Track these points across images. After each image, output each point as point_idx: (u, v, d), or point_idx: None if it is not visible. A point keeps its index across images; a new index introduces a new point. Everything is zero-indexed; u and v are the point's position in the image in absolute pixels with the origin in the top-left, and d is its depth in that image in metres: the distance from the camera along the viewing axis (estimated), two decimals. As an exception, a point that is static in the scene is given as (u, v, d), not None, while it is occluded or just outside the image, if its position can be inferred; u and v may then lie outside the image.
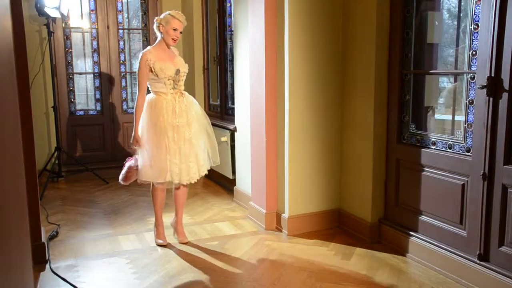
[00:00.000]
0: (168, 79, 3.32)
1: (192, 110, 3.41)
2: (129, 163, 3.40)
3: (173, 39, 3.32)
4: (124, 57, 5.95)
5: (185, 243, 3.54)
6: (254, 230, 3.85)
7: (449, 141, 3.00)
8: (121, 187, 5.29)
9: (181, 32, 3.35)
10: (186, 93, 3.45)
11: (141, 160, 3.35)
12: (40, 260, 3.15)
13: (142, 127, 3.36)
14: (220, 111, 5.41)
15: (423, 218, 3.18)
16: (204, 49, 5.71)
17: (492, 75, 2.60)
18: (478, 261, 2.74)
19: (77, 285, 2.86)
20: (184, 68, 3.43)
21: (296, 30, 3.53)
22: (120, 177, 3.40)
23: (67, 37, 5.66)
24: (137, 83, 3.41)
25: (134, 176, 3.39)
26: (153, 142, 3.30)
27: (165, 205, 3.71)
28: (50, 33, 5.10)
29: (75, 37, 5.76)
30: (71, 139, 5.75)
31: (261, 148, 3.83)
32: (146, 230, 3.86)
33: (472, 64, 2.77)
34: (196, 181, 3.45)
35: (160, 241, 3.53)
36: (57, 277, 2.96)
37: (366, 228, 3.54)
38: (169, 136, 3.29)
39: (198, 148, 3.43)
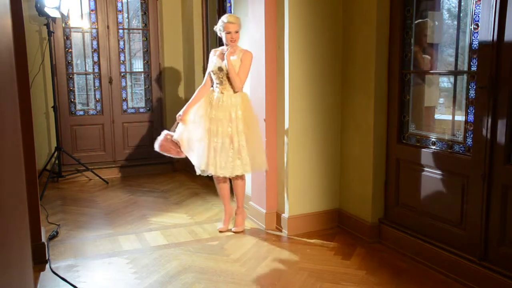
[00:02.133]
0: (214, 74, 3.58)
1: (239, 109, 3.52)
2: (165, 131, 3.68)
3: (230, 40, 3.53)
4: (124, 57, 5.94)
5: (236, 232, 3.75)
6: (254, 230, 3.84)
7: (449, 141, 3.00)
8: (121, 187, 5.31)
9: (236, 31, 3.52)
10: (238, 93, 3.56)
11: (177, 135, 3.65)
12: (40, 260, 3.15)
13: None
14: (220, 111, 5.40)
15: (423, 218, 3.18)
16: (204, 49, 5.71)
17: (492, 75, 2.60)
18: (478, 261, 2.74)
19: (77, 285, 2.86)
20: (222, 65, 3.54)
21: (296, 30, 3.52)
22: (156, 143, 3.69)
23: (67, 37, 5.66)
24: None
25: (170, 147, 3.65)
26: (192, 130, 3.60)
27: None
28: (50, 33, 5.10)
29: (75, 37, 5.76)
30: (71, 139, 5.75)
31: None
32: (146, 230, 3.85)
33: (472, 64, 2.77)
34: (234, 175, 3.58)
35: (218, 225, 3.86)
36: (57, 277, 2.96)
37: (366, 228, 3.54)
38: (206, 128, 3.53)
39: (242, 146, 3.50)
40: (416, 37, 3.22)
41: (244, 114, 3.54)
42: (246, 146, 3.51)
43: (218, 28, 3.57)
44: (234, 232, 3.76)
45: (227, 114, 3.50)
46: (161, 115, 6.15)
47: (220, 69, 3.55)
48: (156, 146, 3.69)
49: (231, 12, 5.00)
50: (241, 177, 3.72)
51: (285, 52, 3.56)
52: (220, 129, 3.49)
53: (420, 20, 3.21)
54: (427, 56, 3.27)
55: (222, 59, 3.57)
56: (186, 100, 6.11)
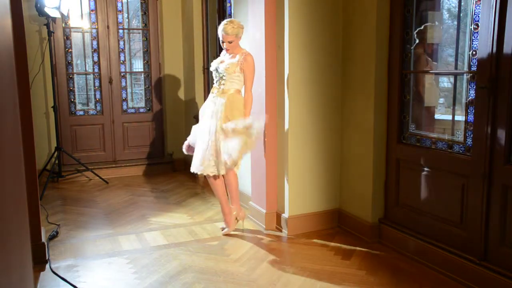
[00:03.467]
0: (214, 74, 3.64)
1: (221, 108, 3.50)
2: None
3: (225, 49, 3.60)
4: (124, 57, 5.95)
5: (225, 235, 3.72)
6: (254, 230, 3.84)
7: (449, 141, 3.00)
8: (121, 187, 5.31)
9: (230, 42, 3.53)
10: (231, 95, 3.53)
11: None
12: (40, 260, 3.15)
13: None
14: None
15: (423, 218, 3.18)
16: (204, 49, 5.71)
17: (492, 75, 2.60)
18: (478, 261, 2.74)
19: (77, 285, 2.86)
20: (221, 69, 3.56)
21: (296, 30, 3.52)
22: (183, 146, 3.85)
23: (67, 37, 5.66)
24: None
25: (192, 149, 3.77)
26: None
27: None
28: (50, 33, 5.10)
29: (75, 37, 5.76)
30: (71, 139, 5.75)
31: (261, 148, 3.83)
32: (146, 230, 3.85)
33: (472, 64, 2.77)
34: (208, 173, 3.56)
35: (221, 225, 3.87)
36: (57, 277, 2.96)
37: (366, 228, 3.54)
38: (199, 123, 3.68)
39: (206, 145, 3.50)
40: (420, 39, 3.22)
41: (225, 113, 3.48)
42: (208, 145, 3.49)
43: (218, 30, 3.60)
44: (223, 234, 3.71)
45: (211, 111, 3.55)
46: (161, 115, 6.15)
47: (216, 69, 3.63)
48: (184, 147, 3.85)
49: (231, 13, 5.01)
50: (229, 175, 3.63)
51: (285, 52, 3.56)
52: (203, 126, 3.58)
53: (426, 24, 3.21)
54: (430, 59, 3.27)
55: (222, 61, 3.62)
56: (186, 100, 6.15)
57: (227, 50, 3.59)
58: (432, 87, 3.32)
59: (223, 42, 3.56)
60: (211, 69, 3.69)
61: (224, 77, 3.55)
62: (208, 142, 3.49)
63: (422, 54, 3.26)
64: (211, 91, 3.67)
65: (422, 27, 3.20)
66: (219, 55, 5.35)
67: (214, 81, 3.67)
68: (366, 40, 3.41)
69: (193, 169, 3.58)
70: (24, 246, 2.22)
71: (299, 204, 3.72)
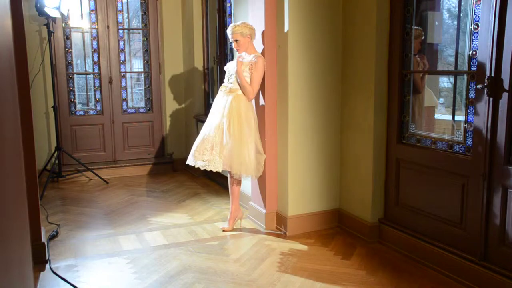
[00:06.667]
0: (226, 73, 3.79)
1: (233, 110, 3.58)
2: None
3: (235, 47, 3.69)
4: (124, 57, 5.95)
5: (225, 230, 3.81)
6: (254, 230, 3.85)
7: (449, 141, 3.00)
8: (121, 187, 5.31)
9: (236, 40, 3.62)
10: (237, 96, 3.63)
11: None
12: (40, 260, 3.15)
13: None
14: (220, 111, 5.41)
15: (423, 218, 3.18)
16: (204, 49, 5.71)
17: (492, 75, 2.60)
18: (478, 261, 2.74)
19: (77, 285, 2.86)
20: (230, 68, 3.75)
21: (296, 30, 3.52)
22: None
23: (67, 37, 5.66)
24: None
25: None
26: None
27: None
28: (50, 33, 5.10)
29: (75, 37, 5.76)
30: (71, 139, 5.75)
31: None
32: (146, 230, 3.85)
33: (472, 64, 2.77)
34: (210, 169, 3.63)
35: (223, 225, 3.91)
36: (57, 277, 2.96)
37: (366, 228, 3.54)
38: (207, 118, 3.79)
39: (214, 140, 3.59)
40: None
41: (233, 113, 3.58)
42: (232, 144, 3.54)
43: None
44: (223, 230, 3.81)
45: (221, 108, 3.64)
46: (161, 115, 6.15)
47: (227, 69, 3.80)
48: None
49: (231, 13, 5.01)
50: (238, 182, 3.81)
51: (285, 52, 3.56)
52: (211, 121, 3.66)
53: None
54: (418, 59, 3.28)
55: (236, 62, 3.67)
56: (186, 99, 6.15)
57: (236, 49, 3.69)
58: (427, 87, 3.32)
59: (231, 42, 3.70)
60: (225, 68, 3.83)
61: (233, 75, 3.67)
62: (209, 134, 3.60)
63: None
64: (220, 88, 3.78)
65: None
66: (218, 55, 5.39)
67: (226, 79, 3.77)
68: (366, 40, 3.41)
69: (188, 160, 3.69)
70: (24, 246, 2.22)
71: (299, 204, 3.72)
